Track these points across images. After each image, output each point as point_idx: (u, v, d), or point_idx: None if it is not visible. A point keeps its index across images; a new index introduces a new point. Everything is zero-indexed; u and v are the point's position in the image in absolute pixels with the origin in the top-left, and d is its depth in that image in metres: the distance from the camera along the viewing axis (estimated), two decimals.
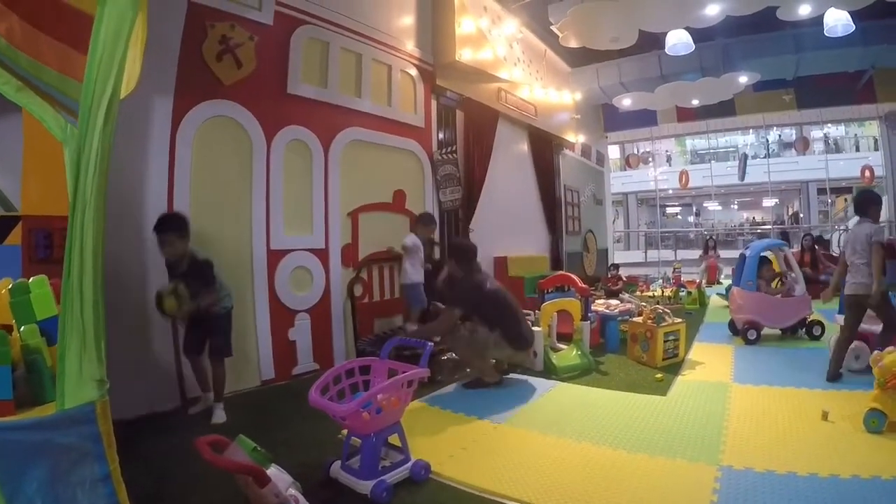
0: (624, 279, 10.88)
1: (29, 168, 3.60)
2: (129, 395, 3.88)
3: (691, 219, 32.19)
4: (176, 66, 4.42)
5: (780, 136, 27.05)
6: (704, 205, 31.21)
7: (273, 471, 2.46)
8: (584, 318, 5.67)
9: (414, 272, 5.74)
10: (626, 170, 25.41)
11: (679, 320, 5.57)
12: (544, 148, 10.37)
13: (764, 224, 27.96)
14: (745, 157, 21.63)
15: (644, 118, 14.18)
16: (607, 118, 14.59)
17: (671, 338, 5.39)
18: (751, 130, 25.10)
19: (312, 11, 5.50)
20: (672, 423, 3.79)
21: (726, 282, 11.54)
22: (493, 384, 4.76)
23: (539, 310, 5.84)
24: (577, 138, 11.67)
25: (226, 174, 4.79)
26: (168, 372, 4.36)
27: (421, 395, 4.44)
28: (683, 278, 10.93)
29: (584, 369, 5.20)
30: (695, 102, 12.49)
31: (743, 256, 6.68)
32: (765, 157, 23.20)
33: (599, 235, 13.56)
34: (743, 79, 11.40)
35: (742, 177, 20.95)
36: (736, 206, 33.01)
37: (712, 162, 24.97)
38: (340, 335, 5.72)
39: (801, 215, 26.41)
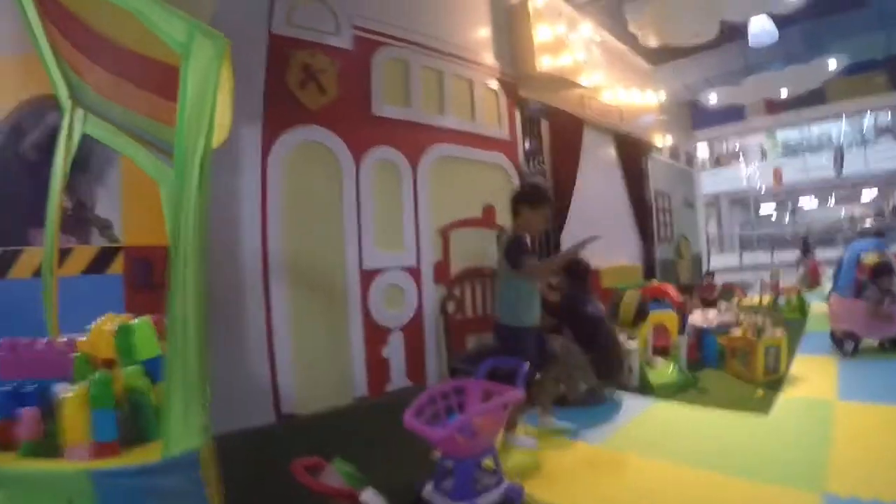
0: (719, 287, 10.30)
1: (128, 201, 3.81)
2: (223, 410, 3.97)
3: (786, 219, 30.05)
4: (262, 96, 4.48)
5: (875, 120, 24.65)
6: (800, 201, 29.26)
7: (368, 495, 2.40)
8: (682, 331, 5.34)
9: None
10: (716, 168, 24.12)
11: (780, 333, 5.14)
12: (632, 152, 9.86)
13: (864, 218, 25.80)
14: (842, 149, 20.14)
15: (732, 113, 13.36)
16: (694, 116, 13.85)
17: (772, 351, 4.97)
18: (843, 117, 23.24)
19: (390, 32, 5.45)
20: (774, 445, 3.52)
21: (829, 284, 10.76)
22: (579, 403, 4.52)
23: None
24: (664, 140, 11.12)
25: (317, 197, 4.80)
26: (262, 385, 4.39)
27: None
28: (782, 284, 10.28)
29: (682, 386, 4.87)
30: (783, 92, 11.75)
31: (842, 261, 6.14)
32: (864, 145, 21.59)
33: (692, 240, 12.89)
34: (831, 63, 10.64)
35: (839, 171, 19.54)
36: (833, 202, 30.53)
37: (806, 155, 23.45)
38: (433, 352, 5.61)
39: None
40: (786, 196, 28.62)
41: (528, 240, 3.75)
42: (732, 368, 5.21)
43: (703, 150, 19.25)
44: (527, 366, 3.13)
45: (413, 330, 5.45)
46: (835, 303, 5.95)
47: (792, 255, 16.16)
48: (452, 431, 2.72)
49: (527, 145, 7.06)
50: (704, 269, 12.78)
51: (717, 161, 18.46)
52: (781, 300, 8.55)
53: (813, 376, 4.99)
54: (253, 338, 4.37)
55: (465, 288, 5.96)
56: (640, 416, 4.31)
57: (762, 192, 25.89)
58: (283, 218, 4.54)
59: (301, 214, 4.67)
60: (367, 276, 5.08)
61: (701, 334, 5.74)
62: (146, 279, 3.69)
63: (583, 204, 8.02)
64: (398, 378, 5.30)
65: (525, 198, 3.75)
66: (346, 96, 4.98)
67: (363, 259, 5.04)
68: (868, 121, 24.06)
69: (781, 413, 4.12)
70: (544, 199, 3.80)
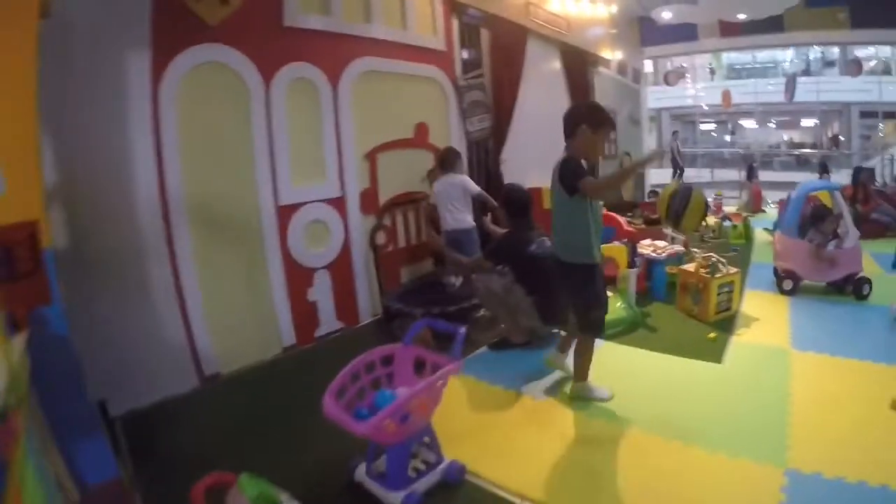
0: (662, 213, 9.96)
1: None
2: (137, 381, 3.49)
3: (727, 137, 29.83)
4: (149, 13, 3.60)
5: (822, 53, 24.56)
6: (740, 122, 28.98)
7: None
8: (631, 264, 4.90)
9: (468, 215, 5.07)
10: (660, 86, 23.61)
11: (734, 270, 4.79)
12: (578, 66, 9.11)
13: (802, 146, 25.83)
14: (794, 76, 19.78)
15: (684, 32, 12.51)
16: (644, 32, 13.04)
17: (725, 290, 4.65)
18: (792, 47, 22.86)
19: None
20: (730, 403, 3.23)
21: (770, 210, 10.54)
22: (521, 345, 4.13)
23: None
24: (613, 55, 10.42)
25: (220, 126, 4.05)
26: (178, 347, 3.82)
27: None
28: (725, 206, 9.98)
29: (630, 323, 4.51)
30: (741, 17, 11.09)
31: (789, 198, 5.77)
32: (807, 76, 21.49)
33: (635, 157, 12.36)
34: None
35: (791, 98, 19.23)
36: (774, 125, 30.33)
37: (752, 80, 23.23)
38: (365, 290, 5.10)
39: (842, 138, 24.06)
40: (727, 116, 28.31)
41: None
42: (683, 305, 4.87)
43: (647, 67, 18.53)
44: (464, 330, 2.60)
45: (341, 267, 4.90)
46: (779, 241, 5.61)
47: (730, 174, 15.98)
48: (378, 423, 2.22)
49: (465, 57, 6.31)
50: (647, 186, 12.48)
51: (665, 79, 17.72)
52: (727, 224, 8.24)
53: (765, 317, 4.65)
54: (159, 294, 3.74)
55: (397, 216, 5.40)
56: None
57: (705, 111, 25.61)
58: (182, 153, 3.80)
59: (203, 147, 3.94)
60: (285, 213, 4.44)
61: (650, 265, 5.33)
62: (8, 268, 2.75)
63: (525, 119, 7.38)
64: (328, 321, 4.81)
65: (585, 117, 3.09)
66: (251, 6, 4.12)
67: (279, 194, 4.38)
68: (814, 53, 23.83)
69: (735, 363, 3.79)
70: (607, 119, 3.17)
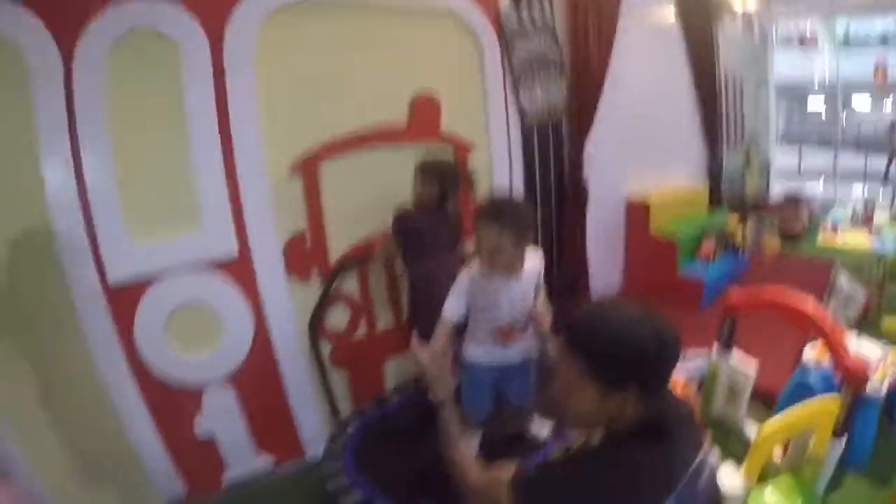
0: (805, 221, 6.85)
1: None
2: None
3: (843, 115, 24.07)
4: None
5: None
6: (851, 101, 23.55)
7: None
8: (840, 430, 2.14)
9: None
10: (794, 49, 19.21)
11: None
12: (698, 15, 5.62)
13: None
14: None
15: None
16: None
17: None
18: None
19: None
20: None
21: None
22: None
23: (717, 344, 2.55)
24: (742, 4, 7.02)
25: None
26: None
27: None
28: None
29: None
30: None
31: None
32: None
33: (763, 141, 9.02)
34: None
35: None
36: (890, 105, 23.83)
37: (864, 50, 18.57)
38: (310, 404, 2.80)
39: None
40: (838, 91, 23.13)
41: None
42: None
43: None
44: None
45: (255, 374, 2.58)
46: None
47: (846, 158, 11.81)
48: None
49: None
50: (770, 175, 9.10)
51: (801, 42, 13.42)
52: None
53: None
54: None
55: (370, 275, 2.90)
56: None
57: (816, 85, 20.94)
58: None
59: None
60: (123, 298, 2.17)
61: (857, 402, 2.26)
62: None
63: (621, 92, 4.26)
64: (242, 458, 2.63)
65: None
66: None
67: (105, 263, 2.11)
68: None
69: None
70: None
